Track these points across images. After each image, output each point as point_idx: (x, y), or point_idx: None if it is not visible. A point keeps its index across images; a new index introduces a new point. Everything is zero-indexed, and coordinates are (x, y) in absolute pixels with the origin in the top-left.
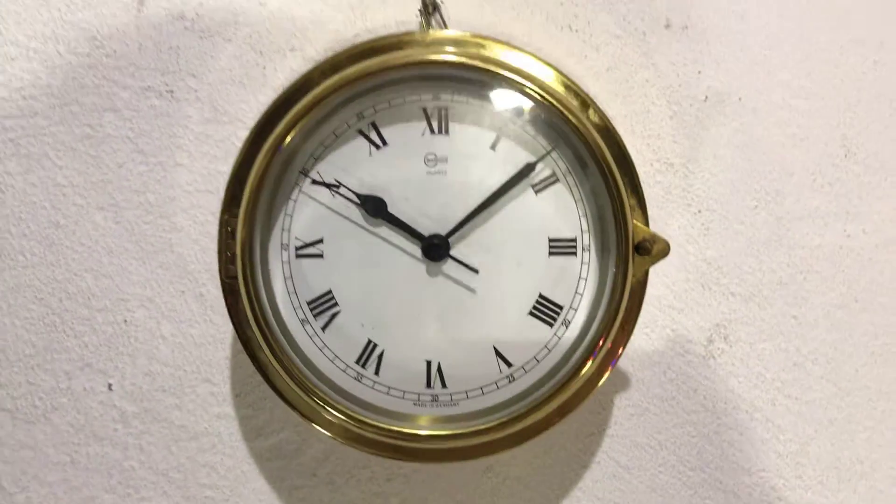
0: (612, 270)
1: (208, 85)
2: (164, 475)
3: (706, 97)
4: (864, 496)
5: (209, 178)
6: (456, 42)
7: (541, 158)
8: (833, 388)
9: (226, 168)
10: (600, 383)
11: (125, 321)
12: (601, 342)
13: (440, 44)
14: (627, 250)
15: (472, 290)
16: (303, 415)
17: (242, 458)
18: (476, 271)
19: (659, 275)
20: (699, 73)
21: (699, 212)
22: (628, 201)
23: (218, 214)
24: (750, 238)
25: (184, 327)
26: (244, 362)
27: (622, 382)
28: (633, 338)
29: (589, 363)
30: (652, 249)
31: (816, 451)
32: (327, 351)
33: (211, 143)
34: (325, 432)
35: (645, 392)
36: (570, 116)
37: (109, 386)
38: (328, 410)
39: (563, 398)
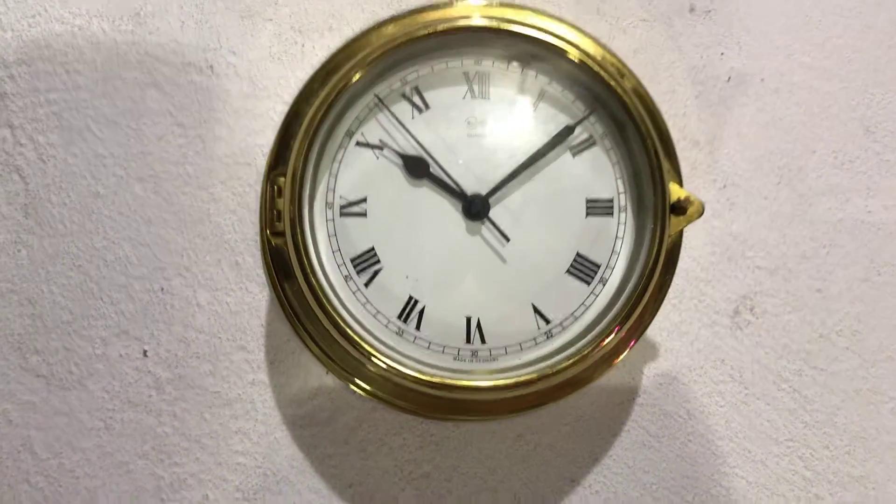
0: (648, 230)
1: (248, 62)
2: (196, 441)
3: (729, 78)
4: (892, 465)
5: (247, 151)
6: (493, 11)
7: (579, 122)
8: (858, 359)
9: (263, 141)
10: (644, 334)
11: (162, 289)
12: (637, 297)
13: (479, 13)
14: (664, 210)
15: (511, 249)
16: (344, 370)
17: (275, 426)
18: (507, 239)
19: (686, 248)
20: (722, 55)
21: (724, 187)
22: (665, 162)
23: (255, 185)
24: (774, 213)
25: (219, 295)
26: (279, 330)
27: (651, 352)
28: (661, 308)
29: (631, 312)
30: (687, 209)
31: (843, 421)
32: (370, 306)
33: (249, 117)
34: (365, 386)
35: (673, 362)
36: (610, 80)
37: (145, 353)
38: (372, 362)
39: (602, 352)
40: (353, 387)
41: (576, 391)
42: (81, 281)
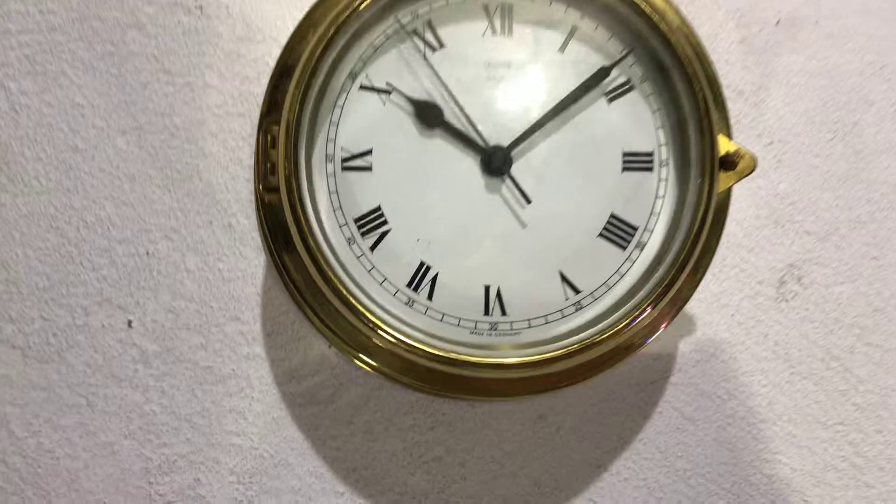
0: (693, 188)
1: (241, 1)
2: (187, 420)
3: (778, 21)
4: None
5: (240, 101)
6: None
7: (615, 63)
8: None
9: (259, 90)
10: (686, 307)
11: (147, 253)
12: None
13: None
14: (713, 164)
15: (536, 209)
16: (347, 343)
17: (273, 404)
18: (528, 201)
19: (727, 211)
20: None
21: (771, 143)
22: (715, 110)
23: (249, 139)
24: (826, 172)
25: (211, 260)
26: (276, 299)
27: (687, 326)
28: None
29: (673, 281)
30: (737, 164)
31: None
32: (376, 273)
33: (243, 62)
34: (371, 362)
35: (711, 337)
36: (653, 15)
37: (129, 323)
38: (378, 335)
39: (639, 327)
40: (357, 362)
41: (603, 371)
42: (59, 244)
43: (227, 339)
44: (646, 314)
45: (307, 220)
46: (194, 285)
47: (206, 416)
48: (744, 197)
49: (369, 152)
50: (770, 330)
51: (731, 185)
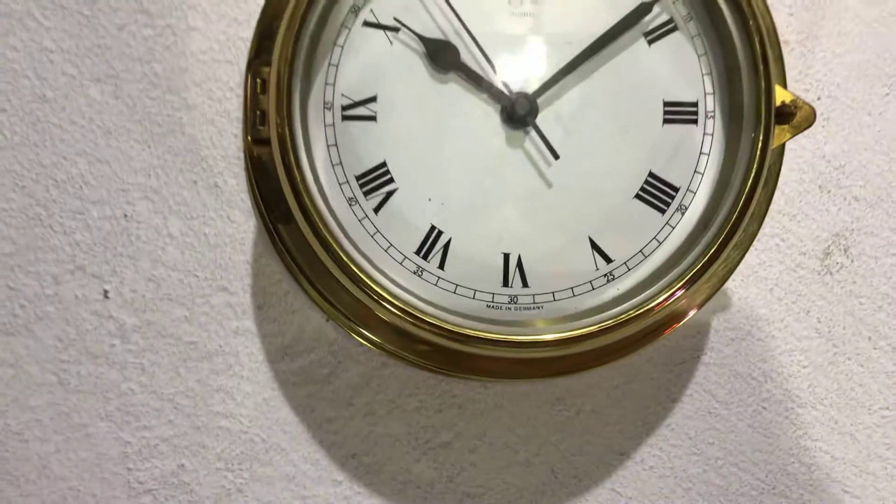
0: (745, 143)
1: None
2: (170, 401)
3: None
4: None
5: (227, 46)
6: None
7: None
8: None
9: (248, 34)
10: (726, 283)
11: (125, 216)
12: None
13: None
14: (769, 115)
15: (564, 166)
16: (347, 317)
17: (264, 383)
18: (556, 156)
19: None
20: None
21: (818, 98)
22: (771, 53)
23: (237, 89)
24: (879, 132)
25: (195, 224)
26: (268, 267)
27: (721, 301)
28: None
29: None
30: (795, 116)
31: None
32: (380, 238)
33: (230, 2)
34: (374, 338)
35: (748, 313)
36: None
37: (105, 293)
38: (382, 307)
39: (680, 301)
40: (358, 337)
41: (636, 351)
42: (26, 205)
43: (213, 312)
44: (688, 289)
45: (302, 176)
46: (177, 252)
47: (190, 396)
48: (786, 158)
49: (373, 99)
50: (812, 306)
51: (786, 142)
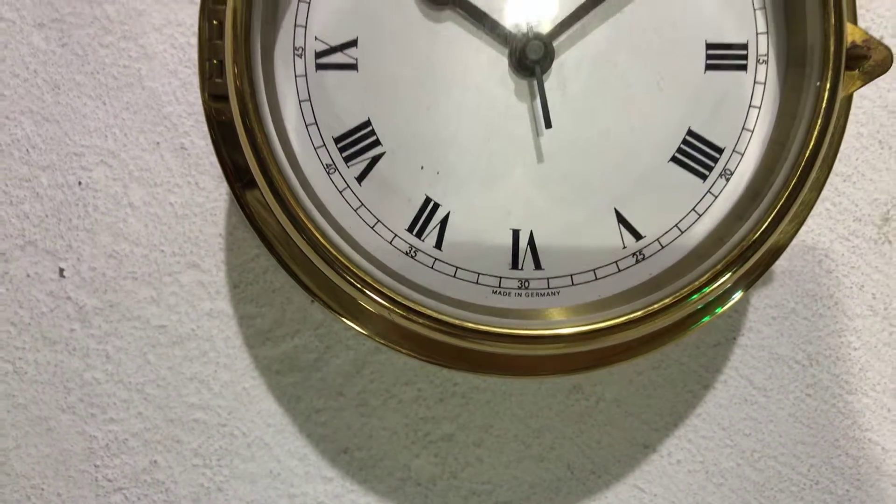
0: (808, 93)
1: None
2: (138, 391)
3: None
4: None
5: None
6: None
7: None
8: None
9: None
10: (773, 265)
11: (79, 183)
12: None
13: None
14: (838, 58)
15: (584, 125)
16: (328, 306)
17: (243, 371)
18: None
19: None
20: None
21: (881, 38)
22: None
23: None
24: None
25: (160, 193)
26: (243, 241)
27: None
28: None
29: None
30: (868, 59)
31: None
32: (365, 212)
33: None
34: (359, 330)
35: (792, 288)
36: None
37: (61, 271)
38: (367, 295)
39: (723, 288)
40: (346, 320)
41: (668, 343)
42: None
43: (183, 292)
44: (734, 271)
45: (267, 139)
46: (140, 224)
47: (161, 385)
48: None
49: (353, 43)
50: (867, 280)
51: (855, 91)
